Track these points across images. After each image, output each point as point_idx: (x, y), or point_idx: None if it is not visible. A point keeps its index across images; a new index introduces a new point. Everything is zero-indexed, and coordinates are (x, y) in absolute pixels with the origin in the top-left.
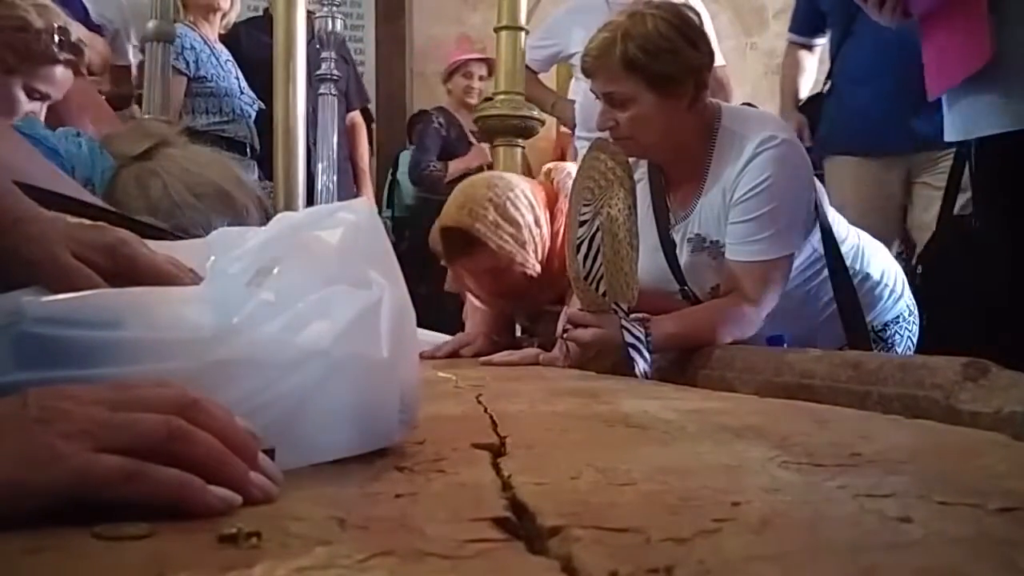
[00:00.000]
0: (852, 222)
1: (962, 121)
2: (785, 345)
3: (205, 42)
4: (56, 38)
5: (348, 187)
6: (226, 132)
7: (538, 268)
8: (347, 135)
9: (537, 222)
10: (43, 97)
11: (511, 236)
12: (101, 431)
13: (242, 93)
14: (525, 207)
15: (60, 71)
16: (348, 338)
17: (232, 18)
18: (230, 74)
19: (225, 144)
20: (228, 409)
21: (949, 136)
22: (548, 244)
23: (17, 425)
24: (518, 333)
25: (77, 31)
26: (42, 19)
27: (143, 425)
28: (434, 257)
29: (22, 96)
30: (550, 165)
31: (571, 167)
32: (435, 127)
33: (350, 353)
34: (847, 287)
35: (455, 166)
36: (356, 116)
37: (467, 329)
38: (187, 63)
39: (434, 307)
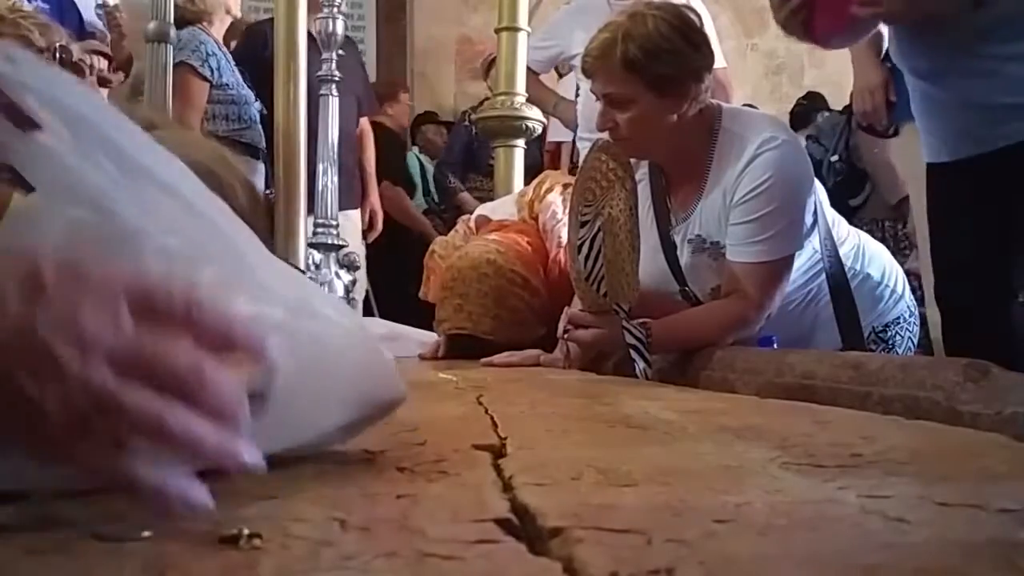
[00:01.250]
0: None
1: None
2: (775, 346)
3: (219, 47)
4: (58, 56)
5: (356, 191)
6: (243, 138)
7: (543, 330)
8: (357, 141)
9: (535, 294)
10: None
11: (511, 323)
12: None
13: (256, 99)
14: (520, 288)
15: None
16: (306, 309)
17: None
18: (243, 80)
19: (242, 150)
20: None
21: (928, 157)
22: (550, 303)
23: (26, 334)
24: None
25: (78, 51)
26: (44, 38)
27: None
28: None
29: None
30: (531, 195)
31: (556, 204)
32: (465, 125)
33: (325, 318)
34: (843, 289)
35: (464, 197)
36: (364, 123)
37: None
38: (211, 70)
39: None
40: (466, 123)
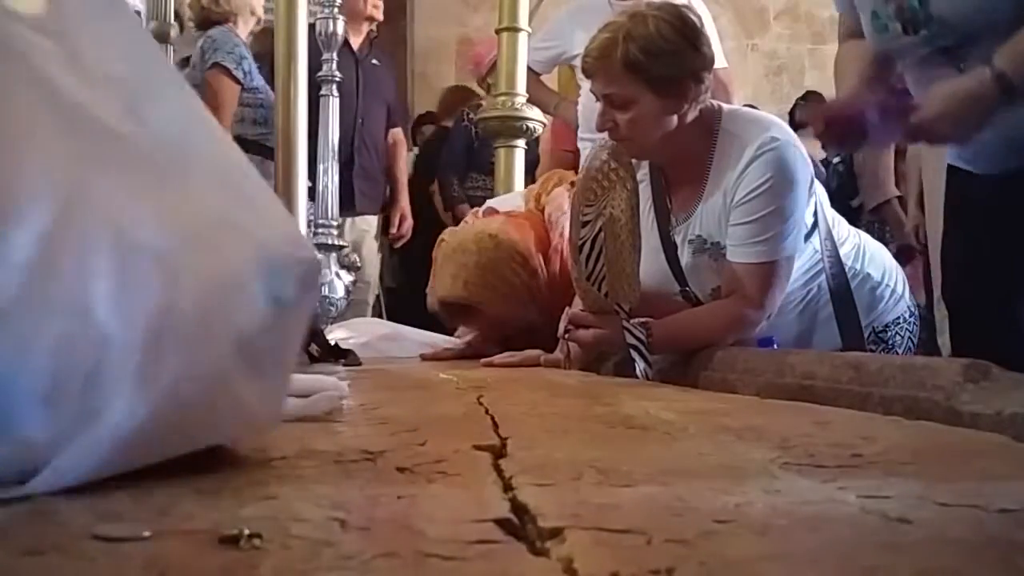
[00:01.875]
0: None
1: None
2: (775, 347)
3: (247, 50)
4: None
5: (378, 197)
6: (269, 142)
7: (537, 316)
8: (389, 150)
9: (533, 274)
10: None
11: (506, 297)
12: None
13: None
14: (519, 265)
15: None
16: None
17: None
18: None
19: (269, 154)
20: None
21: (950, 159)
22: (547, 289)
23: None
24: None
25: None
26: None
27: None
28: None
29: None
30: (538, 189)
31: (562, 197)
32: (465, 125)
33: None
34: (843, 290)
35: (463, 209)
36: (398, 133)
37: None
38: (244, 73)
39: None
40: (465, 123)
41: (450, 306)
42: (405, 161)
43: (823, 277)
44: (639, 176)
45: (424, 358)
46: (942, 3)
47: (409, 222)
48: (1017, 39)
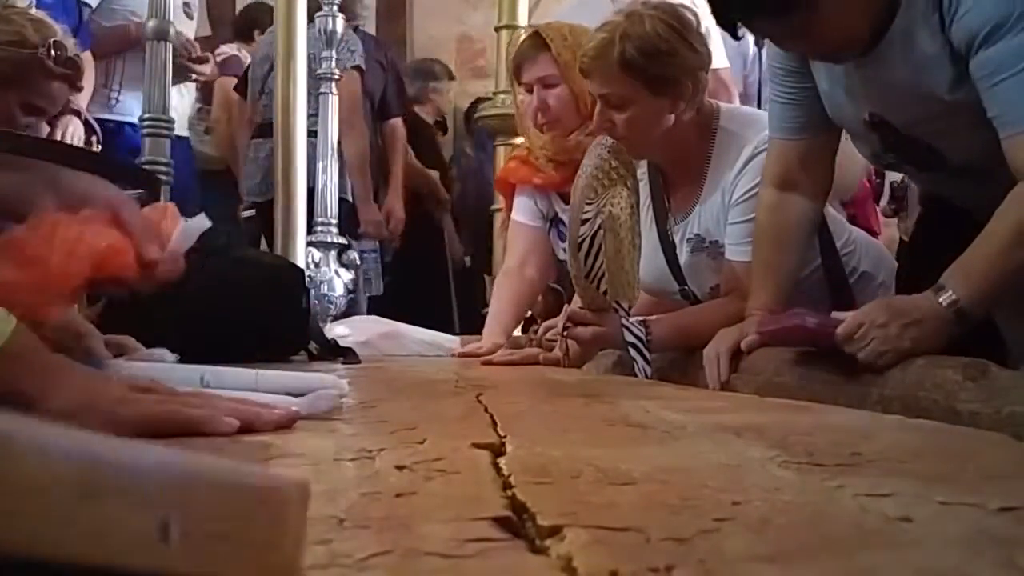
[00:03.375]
0: None
1: None
2: None
3: None
4: (52, 53)
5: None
6: None
7: (587, 98)
8: (384, 141)
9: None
10: (40, 112)
11: (570, 50)
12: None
13: None
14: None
15: (56, 86)
16: None
17: None
18: None
19: None
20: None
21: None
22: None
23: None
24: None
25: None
26: (38, 34)
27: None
28: (436, 262)
29: (18, 111)
30: None
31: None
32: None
33: None
34: (842, 288)
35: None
36: (397, 124)
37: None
38: None
39: (438, 309)
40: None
41: (525, 41)
42: (402, 154)
43: (820, 273)
44: (638, 175)
45: (456, 355)
46: (958, 154)
47: (397, 219)
48: (965, 258)
